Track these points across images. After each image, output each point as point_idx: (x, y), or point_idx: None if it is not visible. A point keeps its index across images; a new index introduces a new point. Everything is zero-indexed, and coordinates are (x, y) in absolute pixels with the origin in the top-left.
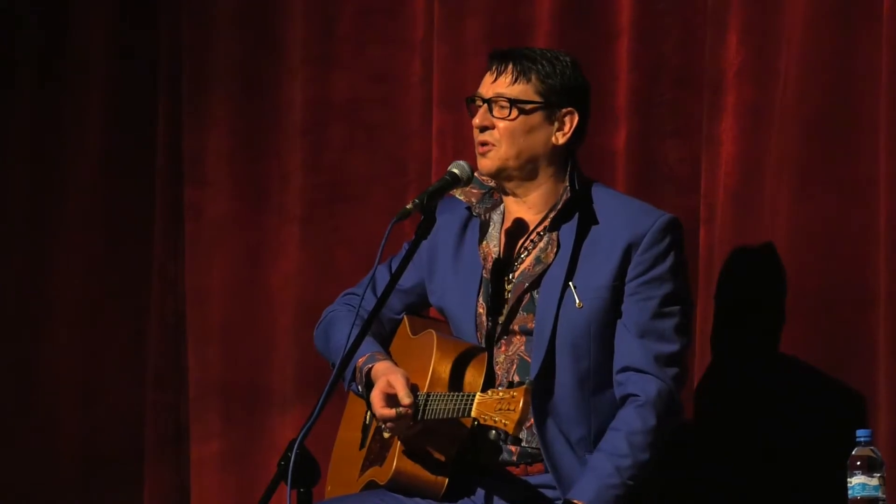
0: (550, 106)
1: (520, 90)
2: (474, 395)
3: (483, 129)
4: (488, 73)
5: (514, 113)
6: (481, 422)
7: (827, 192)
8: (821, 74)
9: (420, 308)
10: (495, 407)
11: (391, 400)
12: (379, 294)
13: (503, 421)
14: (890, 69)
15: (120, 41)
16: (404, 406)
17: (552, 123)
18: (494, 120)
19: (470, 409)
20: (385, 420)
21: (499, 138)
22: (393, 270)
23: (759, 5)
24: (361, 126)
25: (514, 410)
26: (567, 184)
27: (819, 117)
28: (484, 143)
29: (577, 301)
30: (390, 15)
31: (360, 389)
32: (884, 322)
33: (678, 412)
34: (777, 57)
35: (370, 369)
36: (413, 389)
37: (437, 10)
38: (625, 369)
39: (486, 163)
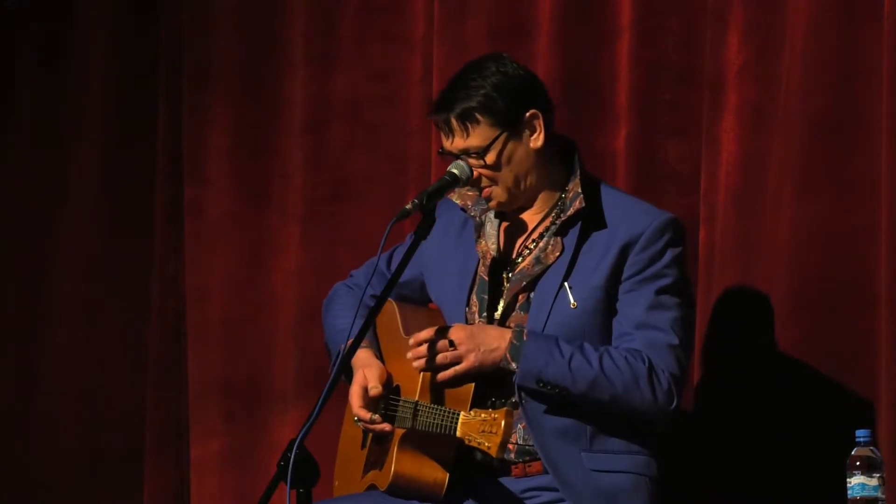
0: (511, 125)
1: (477, 136)
2: (459, 415)
3: (473, 182)
4: (441, 132)
5: (488, 158)
6: (466, 442)
7: (828, 192)
8: (822, 74)
9: (416, 301)
10: (479, 428)
11: (368, 397)
12: (379, 291)
13: (486, 444)
14: (891, 69)
15: (120, 41)
16: (373, 395)
17: (522, 135)
18: (476, 170)
19: (455, 429)
20: (360, 420)
21: (489, 182)
22: (396, 260)
23: (760, 5)
24: (362, 125)
25: (495, 433)
26: (579, 190)
27: (820, 117)
28: (480, 190)
29: (572, 301)
30: (391, 13)
31: (344, 376)
32: (885, 322)
33: (665, 406)
34: (779, 56)
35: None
36: (396, 390)
37: (437, 9)
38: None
39: (494, 203)
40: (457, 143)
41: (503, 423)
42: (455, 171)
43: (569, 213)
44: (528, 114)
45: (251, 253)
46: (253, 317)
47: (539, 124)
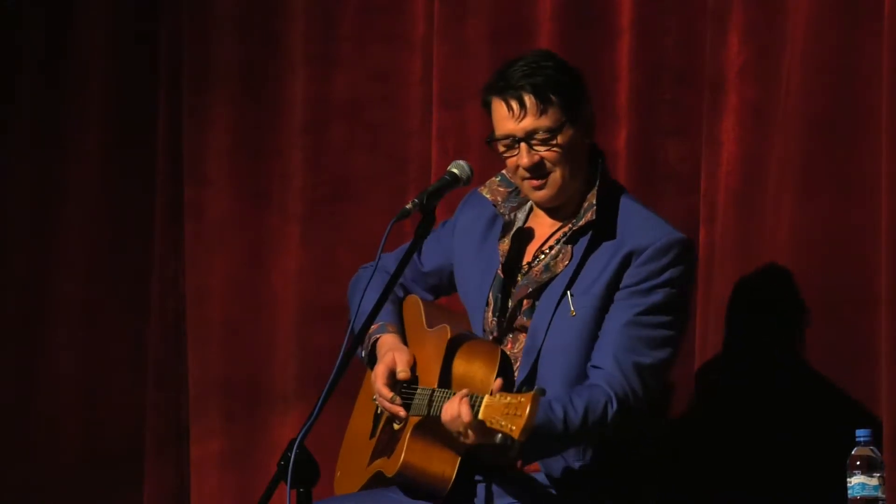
0: (575, 113)
1: (550, 116)
2: (482, 398)
3: (533, 166)
4: (505, 111)
5: (558, 139)
6: (487, 424)
7: (828, 192)
8: (822, 74)
9: (445, 291)
10: (503, 411)
11: (393, 378)
12: (406, 281)
13: (510, 426)
14: (892, 69)
15: (120, 41)
16: (401, 378)
17: (581, 127)
18: (541, 153)
19: (478, 411)
20: (380, 397)
21: (551, 167)
22: (425, 253)
23: (760, 5)
24: (362, 125)
25: (520, 416)
26: (594, 201)
27: (821, 117)
28: (535, 178)
29: (572, 310)
30: (391, 13)
31: (364, 356)
32: (885, 322)
33: (626, 420)
34: (779, 56)
35: (377, 340)
36: (414, 380)
37: (437, 9)
38: (593, 367)
39: (546, 193)
40: (526, 122)
41: (529, 407)
42: (455, 170)
43: (580, 223)
44: (588, 106)
45: (251, 253)
46: (253, 317)
47: (589, 115)
